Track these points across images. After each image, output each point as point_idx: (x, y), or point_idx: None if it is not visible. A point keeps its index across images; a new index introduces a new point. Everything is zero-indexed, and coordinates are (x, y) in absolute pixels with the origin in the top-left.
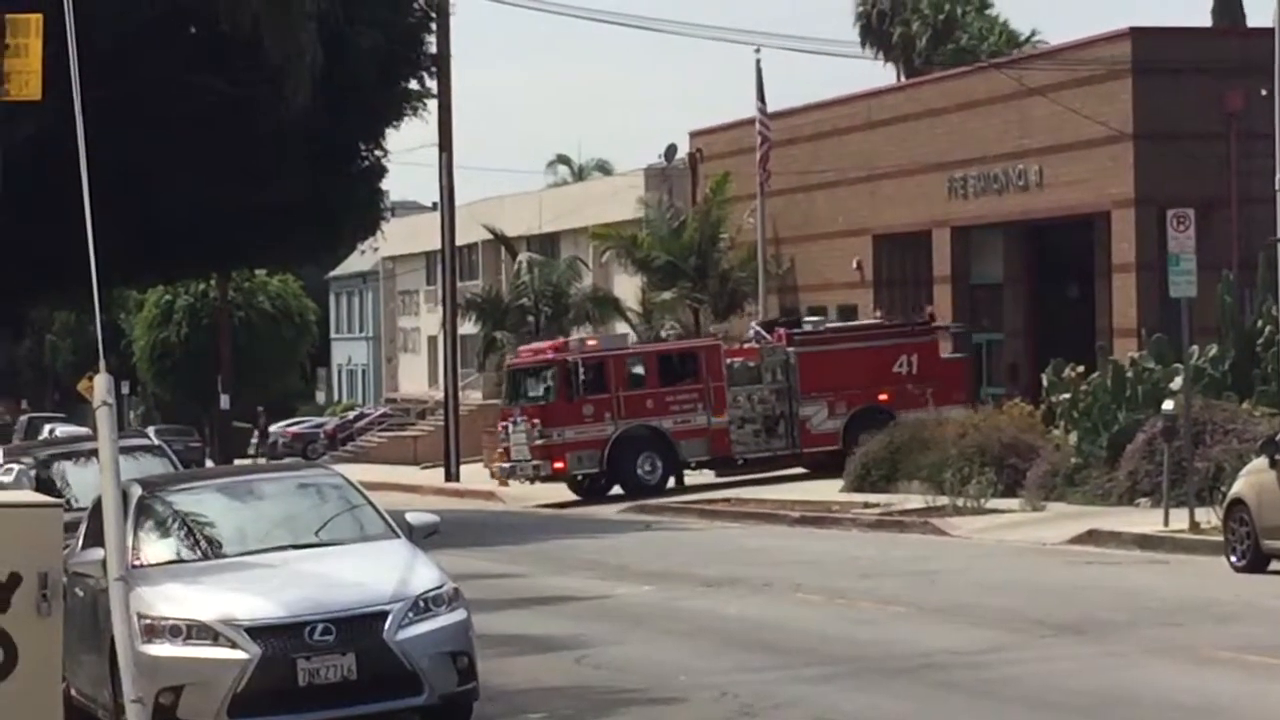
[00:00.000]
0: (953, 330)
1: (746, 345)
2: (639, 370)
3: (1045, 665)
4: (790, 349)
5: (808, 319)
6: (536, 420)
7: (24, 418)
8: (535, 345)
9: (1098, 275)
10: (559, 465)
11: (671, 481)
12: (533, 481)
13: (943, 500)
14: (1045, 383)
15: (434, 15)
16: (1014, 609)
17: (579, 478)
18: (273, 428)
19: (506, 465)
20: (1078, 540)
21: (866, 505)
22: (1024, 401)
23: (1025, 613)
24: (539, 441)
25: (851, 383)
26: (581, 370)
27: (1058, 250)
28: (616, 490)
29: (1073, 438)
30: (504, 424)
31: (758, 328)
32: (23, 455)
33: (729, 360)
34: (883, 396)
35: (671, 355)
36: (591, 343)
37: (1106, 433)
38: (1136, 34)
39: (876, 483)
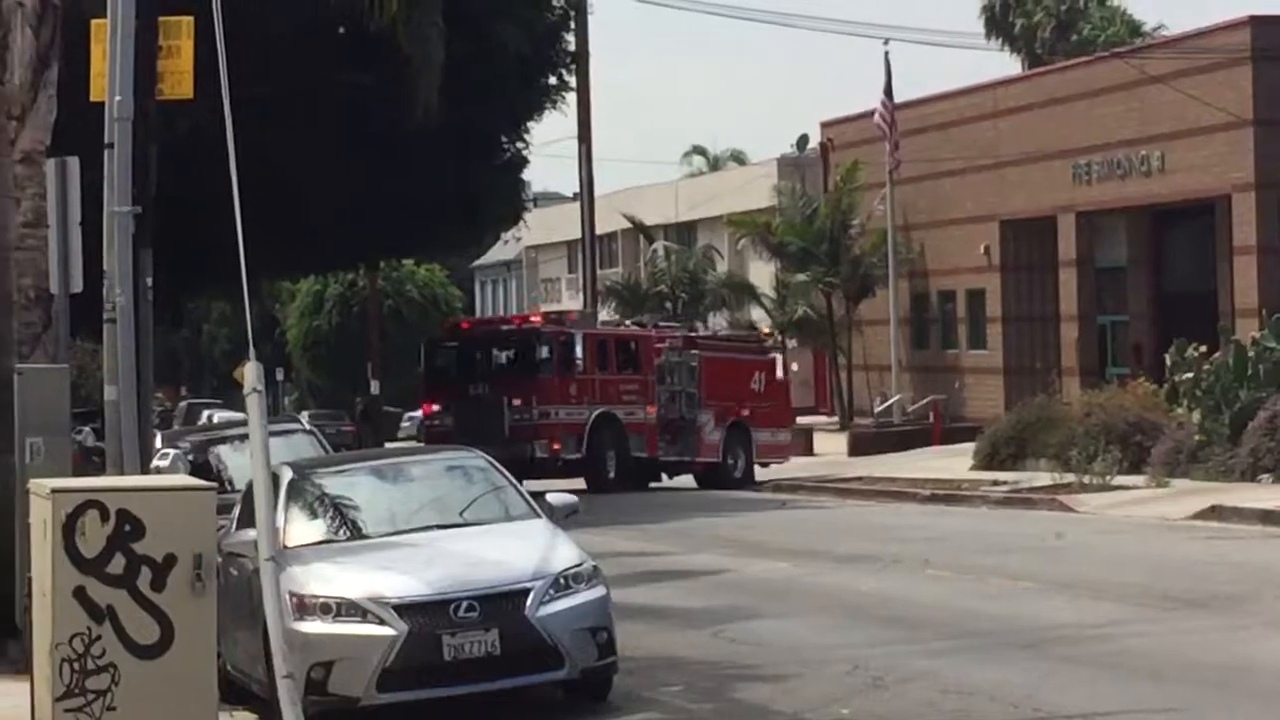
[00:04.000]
0: (782, 351)
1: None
2: (608, 354)
3: (1169, 638)
4: (695, 351)
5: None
6: (533, 395)
7: (183, 404)
8: (480, 317)
9: (1219, 258)
10: (557, 447)
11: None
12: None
13: (1069, 477)
14: (1168, 362)
15: (573, 13)
16: (1139, 583)
17: (559, 464)
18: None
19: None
20: (1201, 515)
21: (995, 482)
22: (1148, 381)
23: (1150, 587)
24: (537, 420)
25: (729, 395)
26: (579, 345)
27: (1180, 233)
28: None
29: (1196, 416)
30: (434, 406)
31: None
32: (180, 440)
33: None
34: (745, 412)
35: (629, 342)
36: (572, 318)
37: (1229, 411)
38: (1256, 22)
39: (1005, 460)
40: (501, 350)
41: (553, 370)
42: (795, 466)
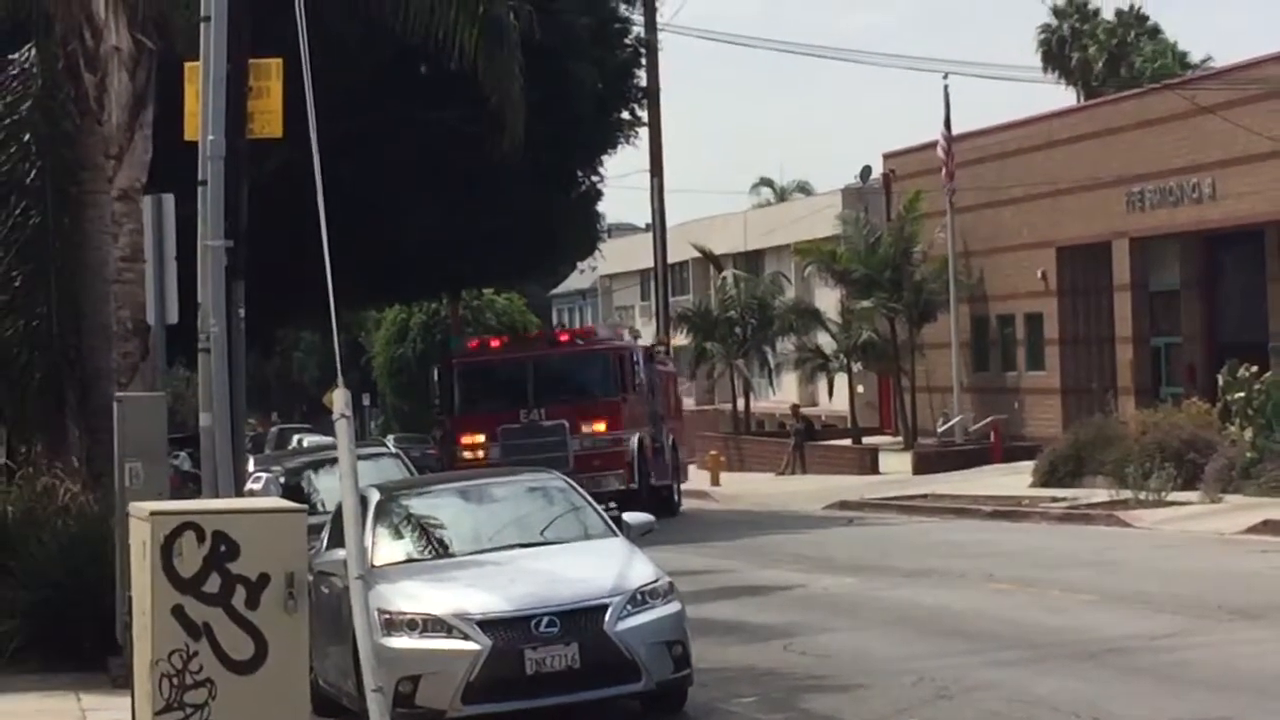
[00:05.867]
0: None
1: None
2: (639, 374)
3: (1224, 649)
4: (656, 365)
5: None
6: (602, 420)
7: (274, 429)
8: (510, 336)
9: (1269, 280)
10: (632, 481)
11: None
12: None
13: (1126, 494)
14: (1221, 382)
15: (644, 51)
16: (1194, 596)
17: (621, 495)
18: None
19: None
20: (1254, 530)
21: (1054, 499)
22: (1201, 400)
23: (1205, 599)
24: (608, 447)
25: (668, 411)
26: (639, 362)
27: (1231, 258)
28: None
29: (1248, 434)
30: (477, 436)
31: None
32: (272, 464)
33: None
34: (675, 429)
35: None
36: (624, 332)
37: None
38: None
39: (1063, 478)
40: (556, 370)
41: (618, 392)
42: (861, 485)
